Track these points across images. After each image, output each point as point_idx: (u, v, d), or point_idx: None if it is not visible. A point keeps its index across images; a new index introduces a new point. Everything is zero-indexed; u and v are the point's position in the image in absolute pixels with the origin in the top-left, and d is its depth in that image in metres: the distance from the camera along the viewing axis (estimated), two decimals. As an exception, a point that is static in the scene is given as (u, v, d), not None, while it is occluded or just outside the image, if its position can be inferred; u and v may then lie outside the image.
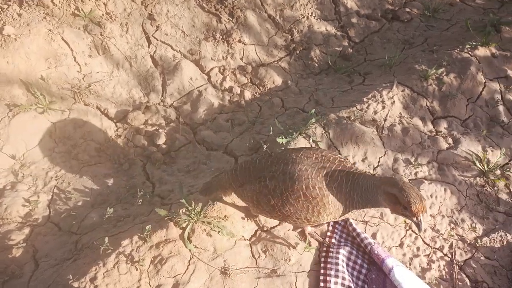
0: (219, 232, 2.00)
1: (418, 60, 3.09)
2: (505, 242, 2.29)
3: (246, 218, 2.10)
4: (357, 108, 2.68)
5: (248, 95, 3.00)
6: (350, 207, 1.65)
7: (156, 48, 2.97)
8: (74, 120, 2.52)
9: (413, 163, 2.53)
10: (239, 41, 3.20)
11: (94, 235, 2.05)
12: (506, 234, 2.32)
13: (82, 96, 2.61)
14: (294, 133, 2.42)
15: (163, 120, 2.75)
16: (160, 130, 2.68)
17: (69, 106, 2.55)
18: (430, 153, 2.59)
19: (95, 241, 1.96)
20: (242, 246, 2.01)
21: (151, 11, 3.06)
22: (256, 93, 3.05)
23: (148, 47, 2.96)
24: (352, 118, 2.61)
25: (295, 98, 2.99)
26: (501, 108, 2.92)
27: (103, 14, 2.92)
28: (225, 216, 2.06)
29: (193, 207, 2.02)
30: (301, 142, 2.39)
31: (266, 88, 3.08)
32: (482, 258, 2.21)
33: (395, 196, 1.52)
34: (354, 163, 2.39)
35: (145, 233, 1.91)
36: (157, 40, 2.99)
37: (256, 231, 2.09)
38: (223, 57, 3.14)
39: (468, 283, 2.08)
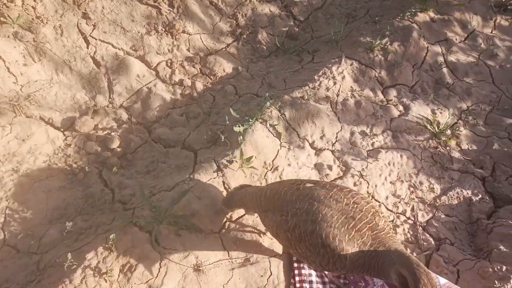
0: (187, 230, 1.96)
1: (362, 33, 3.14)
2: (461, 198, 2.41)
3: (215, 209, 2.08)
4: (309, 87, 2.70)
5: (199, 86, 2.94)
6: (366, 271, 1.49)
7: (96, 48, 2.82)
8: (17, 134, 2.36)
9: (369, 134, 2.59)
10: (183, 31, 3.11)
11: (56, 253, 1.96)
12: (462, 190, 2.45)
13: (22, 108, 2.45)
14: (250, 120, 2.40)
15: (114, 123, 2.64)
16: (113, 134, 2.58)
17: (10, 121, 2.39)
18: (383, 123, 2.66)
19: (58, 259, 1.87)
20: (213, 240, 1.99)
21: (85, 10, 2.90)
22: (207, 83, 2.99)
23: (87, 47, 2.81)
24: (306, 98, 2.62)
25: (247, 83, 2.96)
26: (445, 70, 3.04)
27: (33, 19, 2.73)
28: (192, 213, 2.02)
29: (157, 209, 1.97)
30: (258, 128, 2.37)
31: (217, 77, 3.03)
32: (443, 216, 2.32)
33: (405, 278, 1.34)
34: (379, 206, 2.36)
35: (110, 242, 1.85)
36: (96, 39, 2.84)
37: (224, 223, 2.07)
38: (168, 50, 3.04)
39: (432, 242, 2.18)
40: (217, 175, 2.18)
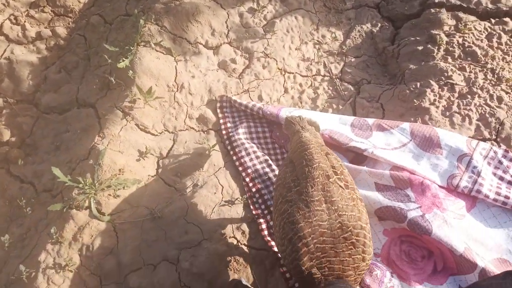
0: (124, 187, 1.88)
1: None
2: (364, 34, 2.43)
3: (141, 157, 1.98)
4: (178, -17, 2.40)
5: (62, 31, 2.53)
6: None
7: None
8: None
9: (257, 8, 2.44)
10: (9, -26, 2.55)
11: (8, 270, 1.84)
12: (361, 27, 2.46)
13: None
14: (131, 48, 2.15)
15: (-9, 113, 2.29)
16: (-4, 126, 2.25)
17: None
18: (267, -10, 2.50)
19: (13, 276, 1.77)
20: (155, 183, 1.94)
21: None
22: (69, 23, 2.58)
23: None
24: (179, -3, 2.35)
25: (111, 5, 2.58)
26: None
27: None
28: (119, 169, 1.91)
29: (84, 182, 1.84)
30: (143, 53, 2.14)
31: (76, 12, 2.61)
32: (353, 59, 2.35)
33: None
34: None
35: (54, 236, 1.75)
36: None
37: (157, 162, 1.99)
38: (4, 4, 2.52)
39: (352, 88, 2.24)
40: (127, 121, 2.02)
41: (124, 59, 2.11)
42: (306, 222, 1.30)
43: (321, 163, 1.42)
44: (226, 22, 2.38)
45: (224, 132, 2.07)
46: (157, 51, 2.21)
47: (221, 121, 2.10)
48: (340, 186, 1.38)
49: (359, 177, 1.81)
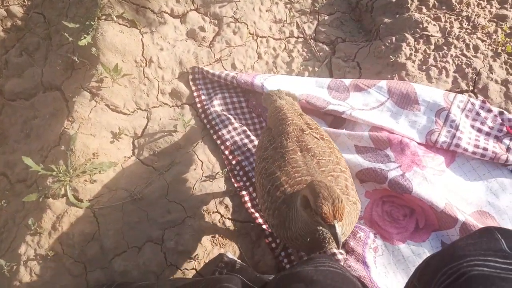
0: (100, 172, 1.82)
1: None
2: (335, -10, 2.33)
3: (114, 138, 1.91)
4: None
5: (17, 10, 2.37)
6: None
7: None
8: None
9: (223, -30, 2.30)
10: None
11: (-10, 265, 1.81)
12: (333, -18, 2.35)
13: None
14: (92, 23, 2.02)
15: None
16: (-41, 118, 2.14)
17: None
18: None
19: (-5, 271, 1.74)
20: (132, 164, 1.89)
21: None
22: (24, 0, 2.41)
23: None
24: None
25: (68, -22, 2.41)
26: None
27: None
28: (93, 153, 1.85)
29: (57, 169, 1.78)
30: (106, 28, 2.02)
31: (30, -12, 2.43)
32: (326, 17, 2.26)
33: (307, 199, 1.14)
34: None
35: (33, 227, 1.71)
36: None
37: (132, 142, 1.93)
38: (-50, -14, 2.34)
39: (327, 48, 2.17)
40: (96, 102, 1.93)
41: (85, 35, 1.99)
42: (281, 171, 1.29)
43: (294, 120, 1.44)
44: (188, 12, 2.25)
45: (199, 105, 2.00)
46: (120, 24, 2.09)
47: (195, 94, 2.03)
48: (315, 137, 1.38)
49: (339, 140, 1.78)
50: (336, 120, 1.87)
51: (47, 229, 1.73)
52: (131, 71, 2.01)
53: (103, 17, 2.07)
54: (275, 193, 1.27)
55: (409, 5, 2.09)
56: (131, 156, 1.89)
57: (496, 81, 1.88)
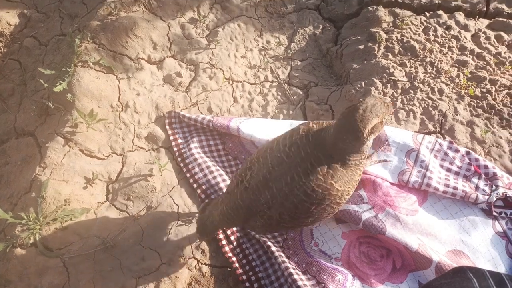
0: (71, 219, 1.77)
1: None
2: (307, 37, 2.45)
3: (88, 184, 1.87)
4: (113, -2, 2.31)
5: (-8, 56, 2.38)
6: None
7: None
8: None
9: (199, 18, 2.39)
10: None
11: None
12: (304, 30, 2.47)
13: None
14: (68, 69, 2.04)
15: None
16: None
17: None
18: (207, 2, 2.45)
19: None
20: (106, 210, 1.84)
21: None
22: (0, 48, 2.42)
23: None
24: (114, 12, 2.27)
25: (45, 25, 2.46)
26: None
27: None
28: (65, 200, 1.80)
29: (27, 217, 1.72)
30: (82, 74, 2.04)
31: (7, 35, 2.46)
32: (299, 63, 2.36)
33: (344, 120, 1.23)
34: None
35: (-1, 280, 1.62)
36: None
37: (106, 187, 1.90)
38: None
39: (300, 92, 2.25)
40: (70, 147, 1.91)
41: (61, 82, 2.00)
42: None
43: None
44: (167, 34, 2.32)
45: (175, 148, 2.00)
46: (96, 70, 2.11)
47: (171, 137, 2.04)
48: None
49: (314, 182, 1.80)
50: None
51: (14, 281, 1.64)
52: (107, 116, 2.01)
53: (80, 63, 2.09)
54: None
55: (376, 52, 2.20)
56: (105, 201, 1.85)
57: (462, 122, 1.97)
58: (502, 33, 2.22)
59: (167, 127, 2.06)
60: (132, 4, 2.34)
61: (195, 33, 2.37)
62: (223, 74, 2.26)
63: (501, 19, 2.27)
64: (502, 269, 1.59)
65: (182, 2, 2.42)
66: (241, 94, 2.24)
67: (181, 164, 1.96)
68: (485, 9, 2.34)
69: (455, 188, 1.71)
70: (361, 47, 2.25)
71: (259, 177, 1.38)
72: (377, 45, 2.23)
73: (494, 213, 1.68)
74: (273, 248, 1.68)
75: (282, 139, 1.41)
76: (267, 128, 2.00)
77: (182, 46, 2.31)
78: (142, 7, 2.36)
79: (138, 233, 1.76)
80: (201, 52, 2.30)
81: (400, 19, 2.32)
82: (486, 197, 1.69)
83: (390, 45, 2.23)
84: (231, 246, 1.74)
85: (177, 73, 2.22)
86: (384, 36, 2.26)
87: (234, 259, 1.71)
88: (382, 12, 2.34)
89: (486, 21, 2.31)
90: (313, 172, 1.30)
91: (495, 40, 2.21)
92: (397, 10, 2.35)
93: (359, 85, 2.12)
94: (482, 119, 1.99)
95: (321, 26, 2.47)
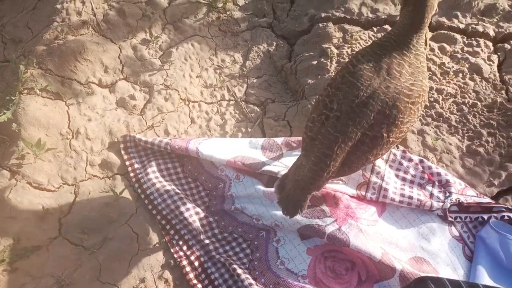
0: (22, 258, 1.65)
1: None
2: (262, 54, 2.46)
3: (38, 218, 1.76)
4: (58, 22, 2.23)
5: None
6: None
7: None
8: None
9: (151, 39, 2.36)
10: None
11: None
12: (258, 47, 2.48)
13: None
14: (13, 97, 1.93)
15: None
16: None
17: None
18: (158, 19, 2.42)
19: None
20: (59, 246, 1.73)
21: None
22: None
23: None
24: (61, 36, 2.19)
25: (-14, 52, 2.32)
26: None
27: None
28: (14, 238, 1.68)
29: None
30: (28, 102, 1.94)
31: None
32: (255, 80, 2.36)
33: None
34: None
35: None
36: None
37: (59, 221, 1.79)
38: None
39: (258, 109, 2.25)
40: (16, 180, 1.80)
41: (5, 111, 1.88)
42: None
43: None
44: (119, 57, 2.26)
45: (132, 174, 1.93)
46: (43, 97, 2.02)
47: (127, 163, 1.97)
48: None
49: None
50: (271, 179, 1.90)
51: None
52: (56, 145, 1.91)
53: (25, 91, 1.99)
54: None
55: (328, 67, 2.25)
56: (58, 236, 1.74)
57: (413, 131, 2.04)
58: (445, 45, 2.34)
59: (123, 152, 1.99)
60: (80, 27, 2.26)
61: (148, 54, 2.32)
62: (179, 94, 2.23)
63: (442, 31, 2.39)
64: (461, 272, 1.64)
65: (133, 23, 2.37)
66: (198, 114, 2.21)
67: (139, 191, 1.89)
68: (427, 22, 2.46)
69: (410, 197, 1.76)
70: (314, 62, 2.29)
71: (350, 99, 1.39)
72: (329, 60, 2.29)
73: (450, 218, 1.74)
74: (239, 271, 1.65)
75: (355, 59, 1.46)
76: (226, 148, 1.97)
77: (135, 68, 2.26)
78: (91, 29, 2.28)
79: (96, 267, 1.67)
80: (155, 73, 2.26)
81: (350, 35, 2.39)
82: (441, 204, 1.75)
83: (342, 60, 2.28)
84: (196, 273, 1.69)
85: (131, 96, 2.16)
86: (335, 51, 2.31)
87: (199, 286, 1.65)
88: (332, 28, 2.40)
89: (429, 34, 2.43)
90: (402, 73, 1.40)
91: (438, 51, 2.33)
92: (346, 26, 2.42)
93: (314, 100, 2.15)
94: (432, 127, 2.07)
95: (274, 43, 2.50)
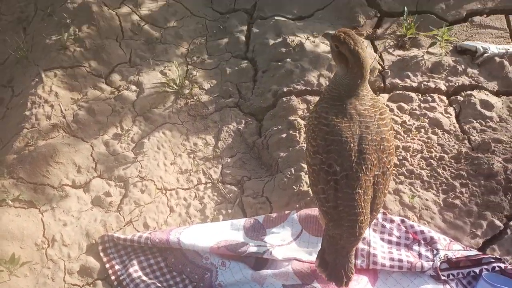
0: None
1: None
2: (233, 134, 2.50)
3: None
4: (28, 129, 2.25)
5: None
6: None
7: None
8: None
9: (122, 132, 2.40)
10: None
11: None
12: (228, 126, 2.52)
13: None
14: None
15: None
16: None
17: None
18: (127, 112, 2.49)
19: None
20: None
21: None
22: None
23: None
24: (31, 142, 2.19)
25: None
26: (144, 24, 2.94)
27: None
28: None
29: None
30: (0, 215, 1.89)
31: None
32: (229, 160, 2.39)
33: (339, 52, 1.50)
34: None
35: None
36: None
37: None
38: None
39: (235, 188, 2.26)
40: (-10, 303, 1.69)
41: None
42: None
43: None
44: (91, 155, 2.27)
45: (113, 277, 1.86)
46: (16, 207, 1.98)
47: (107, 265, 1.90)
48: None
49: (267, 282, 1.75)
50: (258, 261, 1.86)
51: None
52: (32, 257, 1.84)
53: (-5, 204, 1.94)
54: None
55: (298, 138, 2.33)
56: None
57: (389, 192, 2.09)
58: (402, 104, 2.48)
59: (101, 254, 1.93)
60: (50, 131, 2.28)
61: (120, 148, 2.34)
62: (155, 184, 2.22)
63: (398, 91, 2.55)
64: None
65: (103, 120, 2.42)
66: (177, 202, 2.19)
67: (121, 297, 1.81)
68: (382, 85, 2.62)
69: (400, 260, 1.75)
70: (284, 135, 2.37)
71: (346, 154, 1.48)
72: (297, 131, 2.37)
73: (443, 277, 1.73)
74: None
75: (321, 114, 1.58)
76: (208, 234, 1.95)
77: (108, 164, 2.26)
78: (61, 132, 2.31)
79: None
80: (129, 166, 2.27)
81: (312, 105, 2.50)
82: (431, 263, 1.74)
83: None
84: None
85: (106, 193, 2.14)
86: (302, 122, 2.41)
87: None
88: (296, 101, 2.51)
89: (386, 95, 2.58)
90: (368, 109, 1.54)
91: (398, 111, 2.46)
92: (308, 97, 2.55)
93: (289, 172, 2.19)
94: (406, 185, 2.13)
95: (243, 121, 2.57)
